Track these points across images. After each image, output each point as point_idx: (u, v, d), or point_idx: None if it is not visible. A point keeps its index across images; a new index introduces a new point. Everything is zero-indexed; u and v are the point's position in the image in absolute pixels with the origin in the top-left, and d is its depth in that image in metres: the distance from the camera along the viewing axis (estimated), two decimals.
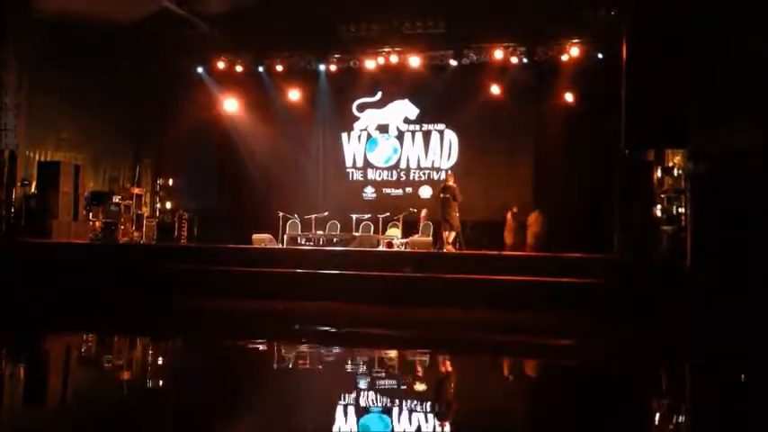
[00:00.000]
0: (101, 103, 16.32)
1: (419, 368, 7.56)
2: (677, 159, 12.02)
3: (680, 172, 11.88)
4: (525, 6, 14.80)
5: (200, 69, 17.45)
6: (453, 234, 13.63)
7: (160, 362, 7.87)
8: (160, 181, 17.47)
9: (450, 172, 14.74)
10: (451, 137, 16.93)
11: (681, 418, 5.88)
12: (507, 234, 15.19)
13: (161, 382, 6.83)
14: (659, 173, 12.52)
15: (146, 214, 16.54)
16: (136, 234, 15.68)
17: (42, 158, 14.95)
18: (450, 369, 7.63)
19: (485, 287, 10.24)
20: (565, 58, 15.30)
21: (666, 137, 11.02)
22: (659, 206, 12.14)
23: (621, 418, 5.62)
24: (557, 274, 10.34)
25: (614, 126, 11.82)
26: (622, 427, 5.39)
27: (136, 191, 16.25)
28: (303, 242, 15.24)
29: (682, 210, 11.34)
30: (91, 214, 15.06)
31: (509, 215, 15.28)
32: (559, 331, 9.23)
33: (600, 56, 14.87)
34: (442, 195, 13.81)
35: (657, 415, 6.00)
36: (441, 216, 13.70)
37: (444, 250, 13.29)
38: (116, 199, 15.43)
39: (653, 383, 7.16)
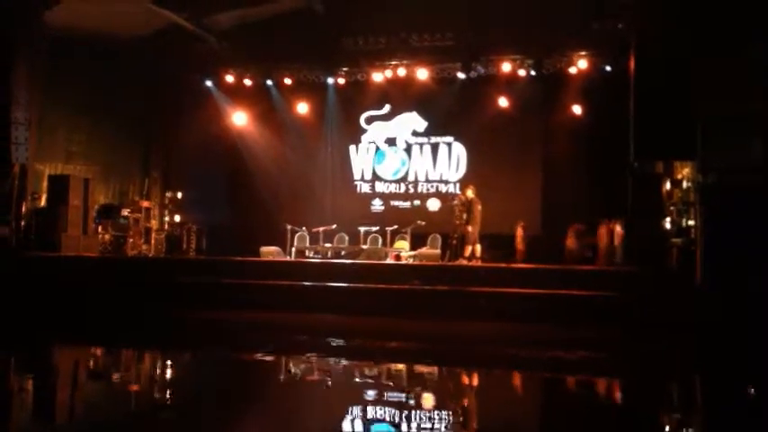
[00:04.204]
0: (110, 117, 16.42)
1: (428, 381, 7.53)
2: (686, 172, 11.97)
3: (689, 184, 11.83)
4: (532, 19, 14.81)
5: (208, 83, 17.55)
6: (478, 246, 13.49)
7: (172, 375, 7.87)
8: (169, 194, 17.51)
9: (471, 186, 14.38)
10: (459, 149, 16.93)
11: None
12: (519, 246, 15.06)
13: (173, 395, 6.81)
14: (668, 185, 12.46)
15: (154, 227, 16.58)
16: (144, 247, 15.71)
17: (52, 172, 15.02)
18: (461, 383, 7.60)
19: (495, 300, 10.20)
20: (573, 70, 15.30)
21: (675, 149, 10.99)
22: (668, 219, 12.09)
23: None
24: (567, 286, 10.29)
25: (623, 138, 11.80)
26: None
27: (145, 204, 16.30)
28: (311, 255, 15.24)
29: (691, 222, 11.28)
30: (100, 227, 15.10)
31: (519, 229, 15.17)
32: (570, 344, 9.17)
33: (608, 68, 14.86)
34: (461, 208, 13.65)
35: (666, 428, 5.95)
36: (464, 229, 13.51)
37: (461, 262, 13.21)
38: (125, 212, 15.47)
39: (662, 395, 7.11)
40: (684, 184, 12.07)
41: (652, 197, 12.10)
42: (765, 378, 7.59)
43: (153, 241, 16.14)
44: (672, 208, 12.11)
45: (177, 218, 17.23)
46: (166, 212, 17.48)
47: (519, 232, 15.19)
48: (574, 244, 14.41)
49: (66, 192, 13.88)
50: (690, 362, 8.51)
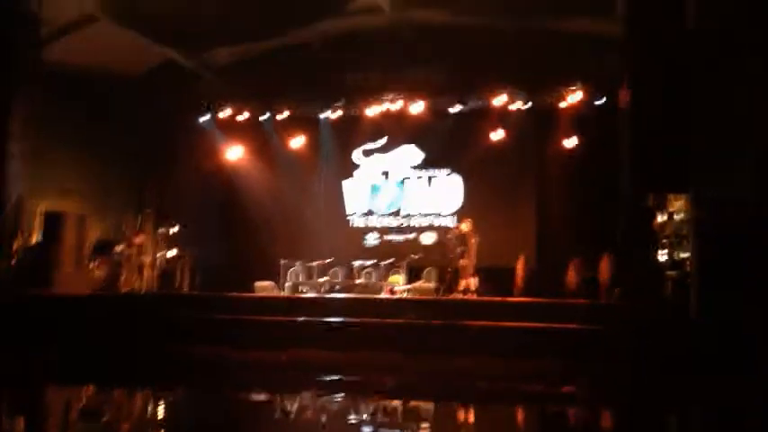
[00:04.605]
0: (105, 152, 16.46)
1: (425, 418, 7.44)
2: (679, 204, 11.99)
3: (682, 217, 11.85)
4: (525, 52, 15.00)
5: (203, 119, 17.64)
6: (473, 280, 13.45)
7: (166, 414, 7.74)
8: (162, 230, 17.46)
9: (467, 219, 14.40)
10: (454, 182, 16.98)
11: None
12: (518, 282, 14.94)
13: None
14: (661, 218, 12.48)
15: (147, 263, 16.50)
16: (138, 283, 15.61)
17: (46, 208, 14.97)
18: (458, 418, 7.51)
19: (488, 333, 10.14)
20: (564, 104, 15.43)
21: (668, 182, 11.03)
22: (662, 251, 12.08)
23: None
24: (562, 320, 10.25)
25: (616, 171, 11.85)
26: None
27: (138, 240, 16.23)
28: (305, 290, 15.18)
29: (685, 255, 11.28)
30: (93, 264, 15.02)
31: (519, 263, 15.06)
32: (565, 378, 9.11)
33: (600, 101, 14.99)
34: (456, 242, 13.64)
35: None
36: (459, 263, 13.50)
37: (456, 296, 13.16)
38: (119, 248, 15.41)
39: (658, 427, 7.04)
40: (677, 217, 12.10)
41: (645, 230, 12.11)
42: (763, 405, 7.54)
43: (146, 277, 16.04)
44: (665, 240, 12.11)
45: (171, 253, 17.14)
46: (159, 248, 17.40)
47: (519, 266, 15.12)
48: (575, 278, 14.32)
49: (59, 228, 13.82)
50: (687, 392, 8.43)
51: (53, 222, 14.02)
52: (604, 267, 13.78)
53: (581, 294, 13.68)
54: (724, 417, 7.36)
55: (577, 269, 14.28)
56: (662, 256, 11.90)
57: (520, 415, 7.89)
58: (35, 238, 14.33)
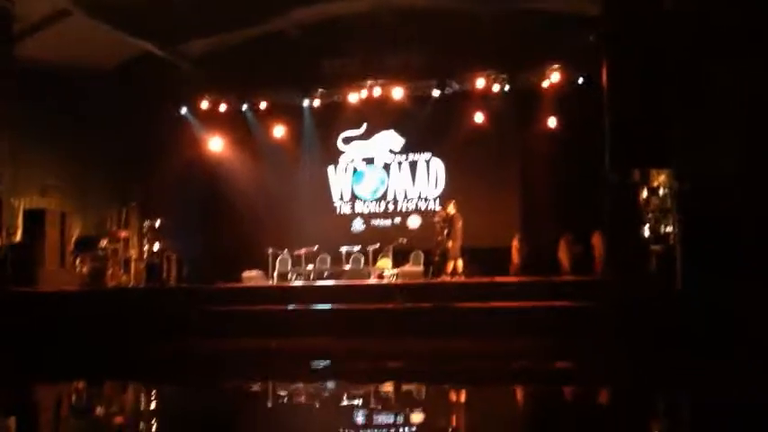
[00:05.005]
0: (85, 148, 16.31)
1: (418, 401, 7.49)
2: (662, 179, 12.08)
3: (665, 191, 11.95)
4: (504, 34, 15.00)
5: (183, 110, 17.51)
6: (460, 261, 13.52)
7: (160, 408, 7.72)
8: (147, 223, 17.36)
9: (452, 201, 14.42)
10: (438, 165, 17.01)
11: None
12: (515, 260, 15.00)
13: (164, 428, 6.70)
14: (645, 193, 12.57)
15: (134, 257, 16.42)
16: (124, 278, 15.53)
17: (28, 206, 14.84)
18: (450, 400, 7.57)
19: (477, 314, 10.20)
20: (546, 83, 15.47)
21: (650, 157, 11.11)
22: (647, 226, 12.18)
23: None
24: (549, 298, 10.33)
25: (598, 148, 11.91)
26: None
27: (123, 234, 16.14)
28: (293, 278, 15.17)
29: (670, 229, 11.39)
30: (78, 260, 14.93)
31: (515, 241, 15.12)
32: (555, 355, 9.19)
33: (581, 80, 15.04)
34: (442, 224, 13.69)
35: None
36: (446, 245, 13.55)
37: (444, 278, 13.21)
38: (103, 243, 15.31)
39: (646, 406, 7.13)
40: (661, 192, 12.19)
41: (629, 205, 12.20)
42: (749, 375, 7.65)
43: (132, 271, 15.97)
44: (650, 215, 12.20)
45: (156, 246, 17.05)
46: (145, 241, 17.31)
47: (515, 244, 15.16)
48: (567, 255, 14.40)
49: (42, 226, 13.71)
50: (674, 366, 8.54)
51: (35, 220, 13.90)
52: (597, 243, 13.88)
53: (574, 271, 13.79)
54: (711, 389, 7.48)
55: (569, 246, 14.36)
56: (647, 231, 12.00)
57: (515, 394, 7.96)
58: (18, 236, 14.21)
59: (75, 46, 15.19)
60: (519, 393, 8.00)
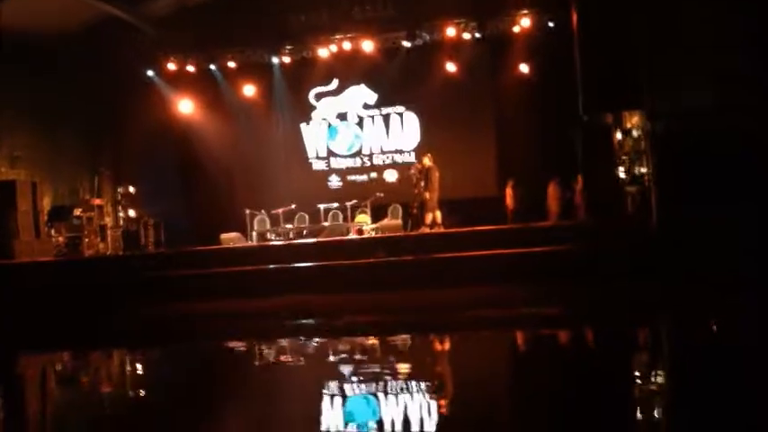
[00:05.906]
0: (53, 117, 15.97)
1: (403, 352, 7.57)
2: (635, 120, 12.15)
3: (639, 133, 12.03)
4: None
5: (150, 73, 17.15)
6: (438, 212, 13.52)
7: (148, 372, 7.74)
8: (121, 189, 17.17)
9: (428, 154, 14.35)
10: (411, 118, 16.90)
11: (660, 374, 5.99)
12: (510, 206, 15.01)
13: (152, 392, 6.72)
14: (619, 135, 12.65)
15: (109, 225, 16.26)
16: (101, 246, 15.40)
17: None
18: (435, 349, 7.67)
19: (458, 265, 10.27)
20: (516, 29, 15.34)
21: (622, 99, 11.14)
22: (621, 168, 12.28)
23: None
24: (528, 244, 10.41)
25: (571, 92, 11.90)
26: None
27: (97, 202, 15.94)
28: (273, 237, 15.13)
29: (644, 170, 11.50)
30: (53, 230, 14.75)
31: (509, 188, 15.13)
32: (536, 301, 9.31)
33: (551, 24, 14.93)
34: (419, 177, 13.66)
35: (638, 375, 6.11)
36: (423, 197, 13.52)
37: (424, 230, 13.25)
38: (77, 212, 15.11)
39: (632, 340, 7.29)
40: (635, 133, 12.27)
41: (604, 148, 12.28)
42: (728, 308, 7.84)
43: (109, 239, 15.83)
44: (624, 157, 12.31)
45: (132, 213, 16.90)
46: (120, 208, 17.14)
47: (509, 191, 15.14)
48: (555, 201, 14.41)
49: (13, 198, 13.49)
50: (654, 304, 8.70)
51: (5, 192, 13.66)
52: (579, 188, 13.92)
53: (566, 217, 13.81)
54: (692, 324, 7.65)
55: (557, 192, 14.38)
56: (622, 173, 12.11)
57: (495, 341, 8.08)
58: None
59: (38, 12, 14.72)
60: (506, 339, 8.12)
